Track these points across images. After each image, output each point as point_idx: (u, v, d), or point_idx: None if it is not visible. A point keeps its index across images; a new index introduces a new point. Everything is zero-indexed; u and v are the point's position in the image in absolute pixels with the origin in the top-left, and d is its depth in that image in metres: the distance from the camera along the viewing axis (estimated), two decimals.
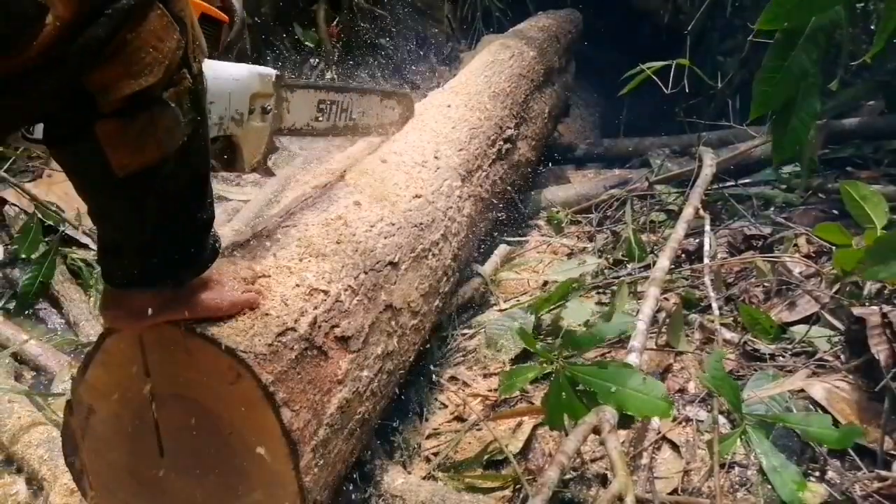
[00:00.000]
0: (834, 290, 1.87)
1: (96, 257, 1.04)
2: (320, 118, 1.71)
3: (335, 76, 4.62)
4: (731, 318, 2.00)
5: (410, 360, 1.71)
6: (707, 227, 2.36)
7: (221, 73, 1.26)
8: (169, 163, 0.91)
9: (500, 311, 2.31)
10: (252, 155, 1.41)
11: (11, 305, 2.55)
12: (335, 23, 4.70)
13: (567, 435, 1.36)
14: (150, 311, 1.05)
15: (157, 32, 0.82)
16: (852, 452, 1.45)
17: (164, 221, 0.98)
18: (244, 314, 1.17)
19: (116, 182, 0.89)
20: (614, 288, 2.28)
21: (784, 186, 2.85)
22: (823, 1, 1.78)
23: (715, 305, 1.94)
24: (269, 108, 1.41)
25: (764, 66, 2.01)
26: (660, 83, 2.49)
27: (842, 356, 1.72)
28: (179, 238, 1.03)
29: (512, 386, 1.60)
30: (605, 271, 2.46)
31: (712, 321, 1.91)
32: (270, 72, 1.40)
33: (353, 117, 1.88)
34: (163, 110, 0.87)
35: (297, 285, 1.32)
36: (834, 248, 1.89)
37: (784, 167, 2.82)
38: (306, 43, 4.61)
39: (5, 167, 2.97)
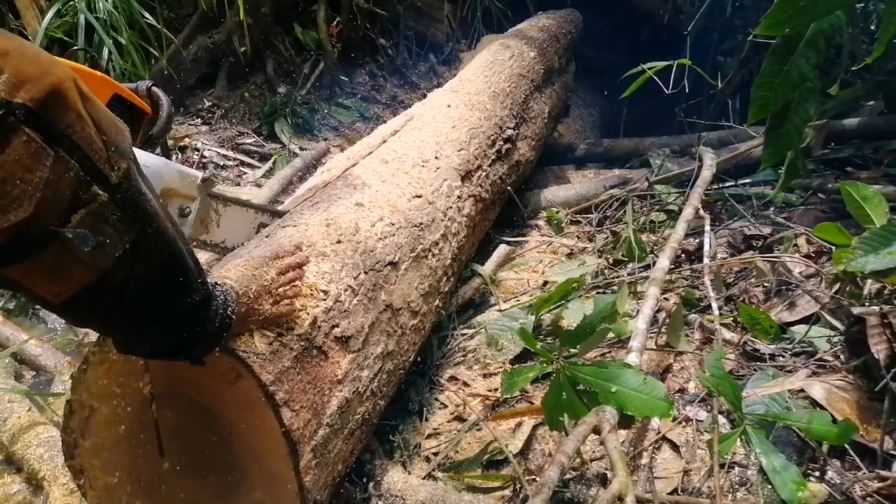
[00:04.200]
0: (834, 290, 1.87)
1: None
2: None
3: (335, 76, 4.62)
4: (731, 318, 2.00)
5: (410, 360, 1.71)
6: (707, 227, 2.36)
7: None
8: (116, 272, 0.82)
9: (500, 311, 2.30)
10: None
11: (11, 305, 2.55)
12: (335, 23, 4.70)
13: (567, 435, 1.36)
14: None
15: (23, 162, 0.70)
16: (852, 452, 1.45)
17: (140, 319, 0.91)
18: None
19: (62, 307, 0.81)
20: (614, 288, 2.28)
21: None
22: (825, 6, 1.77)
23: (715, 305, 1.94)
24: (187, 210, 1.31)
25: (763, 71, 2.01)
26: (660, 83, 2.49)
27: (842, 356, 1.71)
28: (170, 326, 0.95)
29: (513, 385, 1.60)
30: (605, 271, 2.46)
31: (712, 321, 1.91)
32: (195, 173, 1.31)
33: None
34: (69, 241, 0.76)
35: None
36: (834, 248, 1.89)
37: (783, 168, 2.83)
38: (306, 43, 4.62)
39: None
